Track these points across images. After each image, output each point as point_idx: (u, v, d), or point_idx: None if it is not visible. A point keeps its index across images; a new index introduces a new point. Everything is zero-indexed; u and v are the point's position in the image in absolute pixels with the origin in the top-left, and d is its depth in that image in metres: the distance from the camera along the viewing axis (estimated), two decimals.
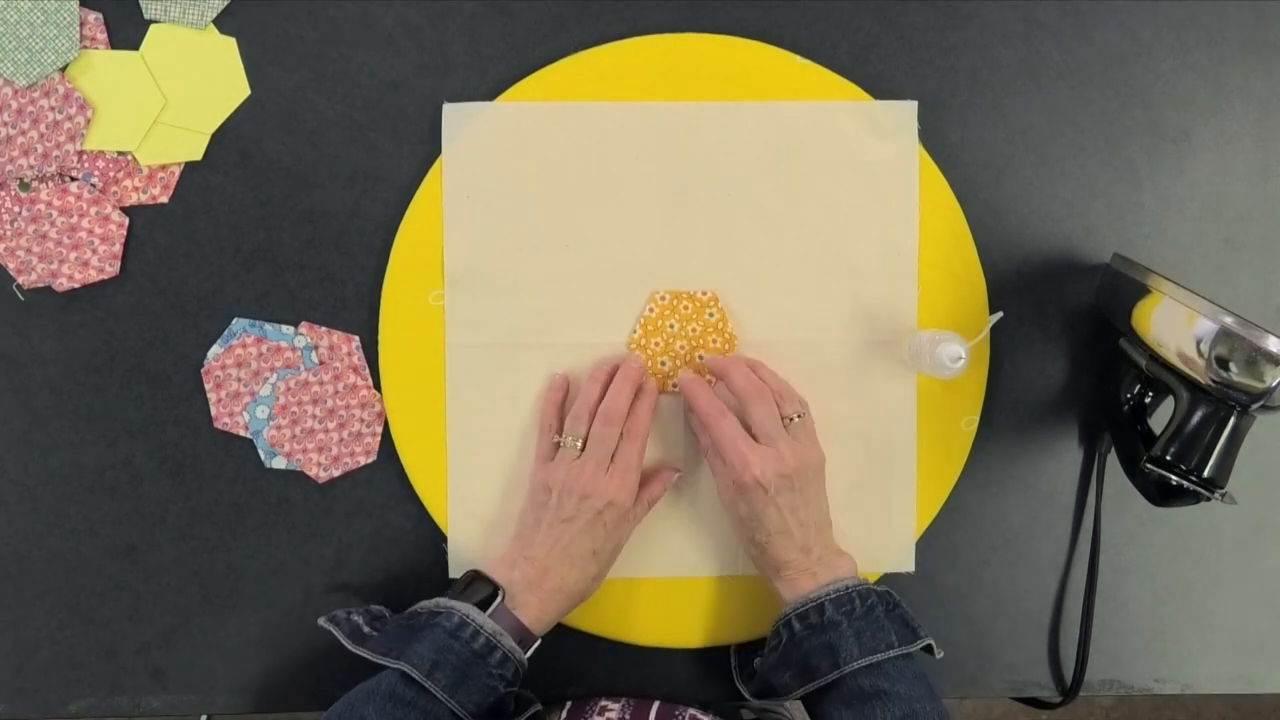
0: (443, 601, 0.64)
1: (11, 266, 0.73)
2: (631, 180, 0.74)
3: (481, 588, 0.65)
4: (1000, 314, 0.71)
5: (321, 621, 0.66)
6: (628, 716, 0.69)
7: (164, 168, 0.74)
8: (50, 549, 0.74)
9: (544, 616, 0.66)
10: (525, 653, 0.64)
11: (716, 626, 0.75)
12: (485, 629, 0.62)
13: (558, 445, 0.70)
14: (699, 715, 0.70)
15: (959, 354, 0.66)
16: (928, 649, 0.66)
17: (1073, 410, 0.77)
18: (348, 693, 0.61)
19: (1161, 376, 0.68)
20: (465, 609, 0.63)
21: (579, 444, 0.69)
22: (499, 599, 0.64)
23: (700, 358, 0.74)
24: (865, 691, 0.62)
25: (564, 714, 0.70)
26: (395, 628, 0.65)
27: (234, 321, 0.74)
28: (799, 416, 0.69)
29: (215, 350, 0.74)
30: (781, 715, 0.83)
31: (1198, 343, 0.62)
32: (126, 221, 0.73)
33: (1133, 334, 0.69)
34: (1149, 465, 0.66)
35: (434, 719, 0.60)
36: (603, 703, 0.71)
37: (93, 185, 0.73)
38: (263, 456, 0.74)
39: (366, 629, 0.65)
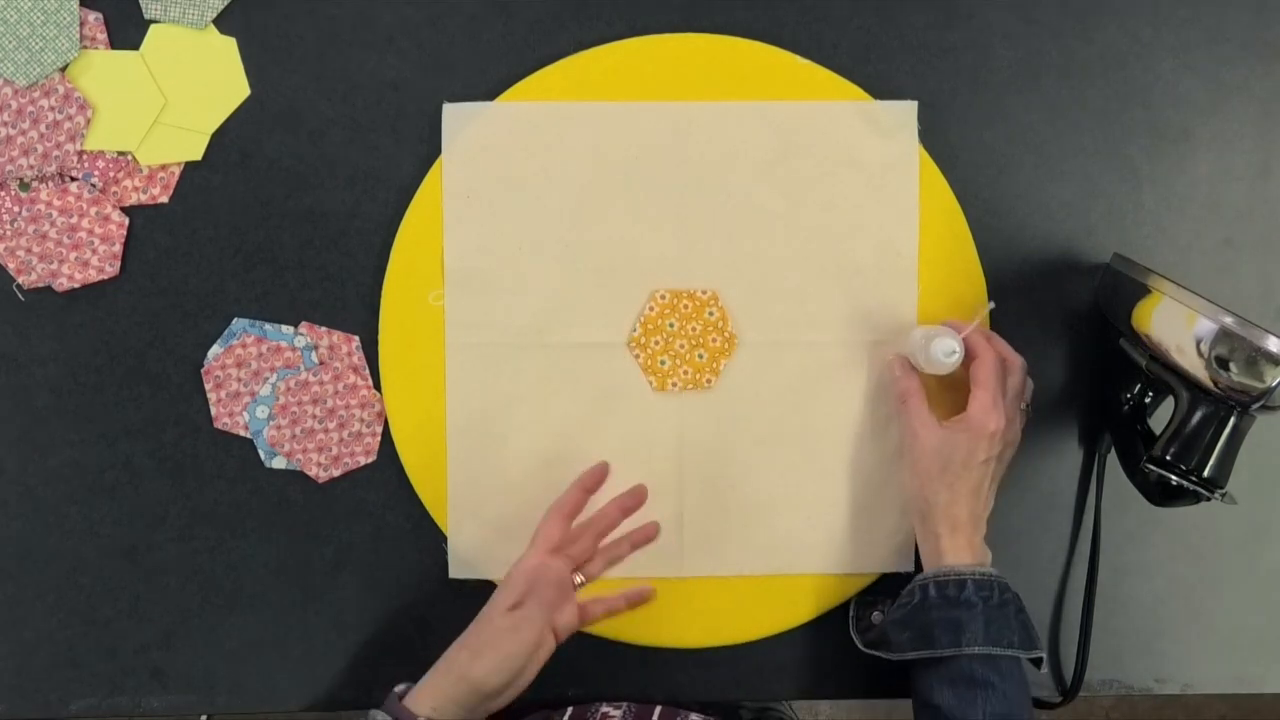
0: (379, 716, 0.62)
1: (11, 266, 0.73)
2: (631, 180, 0.74)
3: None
4: (992, 304, 0.72)
5: None
6: None
7: (164, 168, 0.74)
8: (50, 549, 0.74)
9: (436, 703, 0.61)
10: None
11: (716, 626, 0.75)
12: None
13: None
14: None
15: (952, 348, 0.67)
16: (1036, 660, 0.67)
17: (1073, 410, 0.77)
18: None
19: (1161, 376, 0.68)
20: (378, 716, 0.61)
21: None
22: (394, 689, 0.63)
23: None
24: (975, 678, 0.63)
25: (565, 718, 0.70)
26: None
27: (234, 321, 0.74)
28: (1024, 409, 0.71)
29: (215, 350, 0.74)
30: (781, 713, 0.83)
31: (1198, 343, 0.62)
32: (126, 221, 0.73)
33: (1133, 334, 0.69)
34: (1149, 465, 0.66)
35: None
36: (604, 710, 0.70)
37: (93, 185, 0.73)
38: (263, 456, 0.74)
39: None
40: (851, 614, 0.74)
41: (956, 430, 0.68)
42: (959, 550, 0.67)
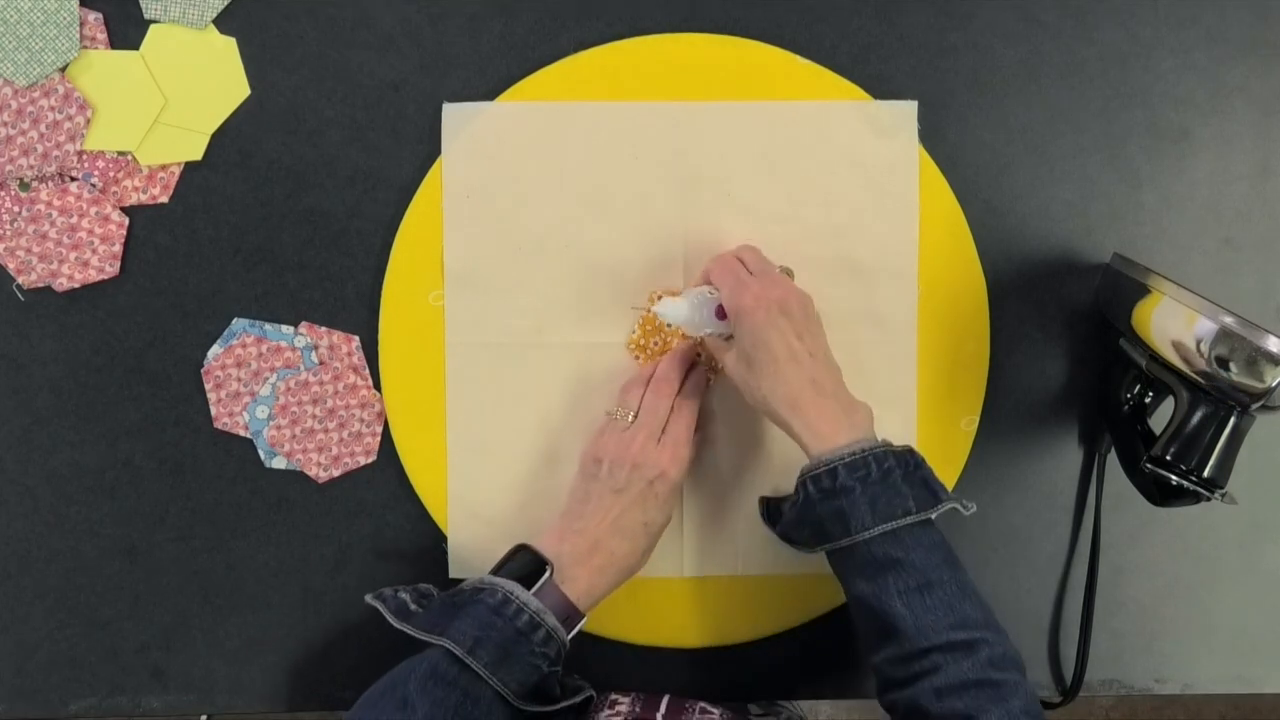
0: (487, 578, 0.64)
1: (11, 266, 0.73)
2: (631, 180, 0.74)
3: (528, 562, 0.64)
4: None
5: (369, 598, 0.65)
6: (638, 710, 0.69)
7: (164, 168, 0.74)
8: (50, 549, 0.74)
9: (592, 591, 0.65)
10: (570, 632, 0.63)
11: (716, 626, 0.75)
12: (529, 606, 0.61)
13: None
14: (708, 707, 0.69)
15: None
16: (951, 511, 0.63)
17: (1073, 410, 0.77)
18: (391, 670, 0.61)
19: (1161, 376, 0.68)
20: (509, 585, 0.62)
21: (630, 416, 0.69)
22: (547, 574, 0.64)
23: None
24: (878, 560, 0.61)
25: None
26: (440, 605, 0.64)
27: (234, 321, 0.74)
28: (787, 271, 0.72)
29: (215, 350, 0.74)
30: (788, 711, 0.83)
31: (1198, 343, 0.62)
32: (126, 221, 0.73)
33: (1133, 334, 0.69)
34: (1149, 465, 0.66)
35: (475, 698, 0.59)
36: (613, 696, 0.71)
37: (93, 185, 0.73)
38: (263, 456, 0.74)
39: (413, 606, 0.65)
40: (761, 510, 0.71)
41: (739, 327, 0.66)
42: (836, 426, 0.63)
